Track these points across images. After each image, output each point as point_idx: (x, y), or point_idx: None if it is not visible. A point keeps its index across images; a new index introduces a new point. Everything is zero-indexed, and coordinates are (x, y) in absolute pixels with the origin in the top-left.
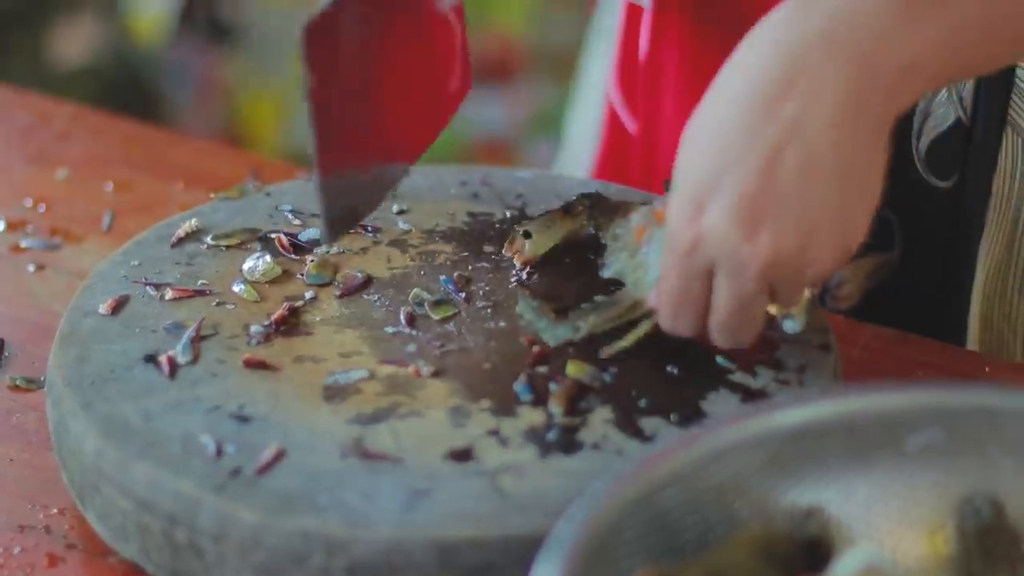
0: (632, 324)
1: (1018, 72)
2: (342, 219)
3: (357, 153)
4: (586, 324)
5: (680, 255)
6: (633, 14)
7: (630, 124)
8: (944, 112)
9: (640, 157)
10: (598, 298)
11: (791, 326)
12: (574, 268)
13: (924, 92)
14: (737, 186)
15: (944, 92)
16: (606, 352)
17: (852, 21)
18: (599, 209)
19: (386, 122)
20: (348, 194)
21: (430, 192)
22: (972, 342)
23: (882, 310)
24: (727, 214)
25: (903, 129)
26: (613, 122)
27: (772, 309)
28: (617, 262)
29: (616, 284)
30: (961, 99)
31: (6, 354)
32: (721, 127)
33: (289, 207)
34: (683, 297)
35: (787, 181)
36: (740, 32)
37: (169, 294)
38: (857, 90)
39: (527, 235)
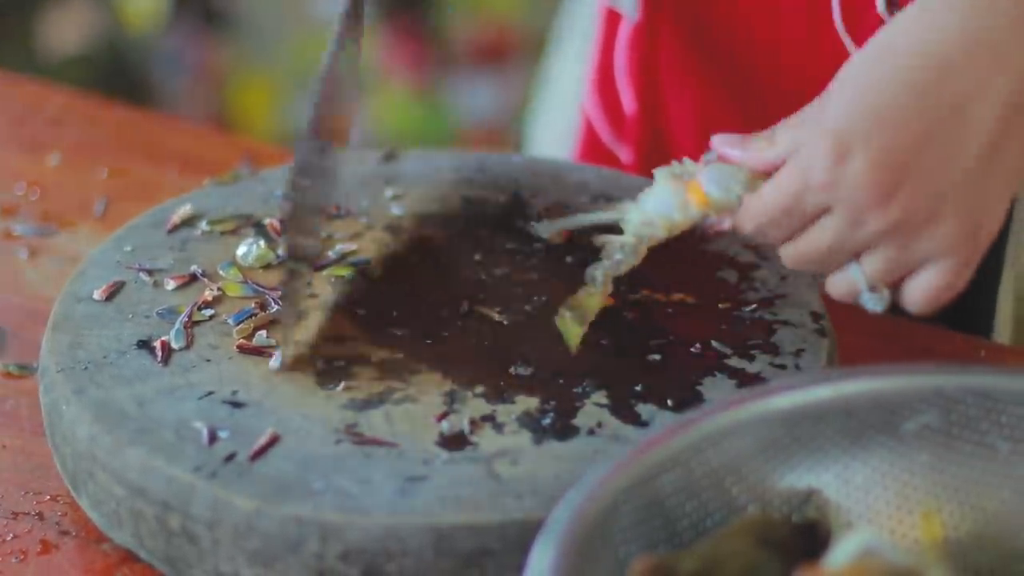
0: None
1: None
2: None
3: None
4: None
5: (808, 187)
6: (611, 24)
7: (607, 135)
8: None
9: (637, 140)
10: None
11: (873, 302)
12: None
13: None
14: (888, 145)
15: None
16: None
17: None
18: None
19: None
20: None
21: (424, 177)
22: (1002, 339)
23: (939, 315)
24: (871, 168)
25: None
26: (588, 131)
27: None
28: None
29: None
30: None
31: None
32: (886, 87)
33: (283, 192)
34: (784, 220)
35: (937, 156)
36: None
37: (171, 284)
38: (1009, 109)
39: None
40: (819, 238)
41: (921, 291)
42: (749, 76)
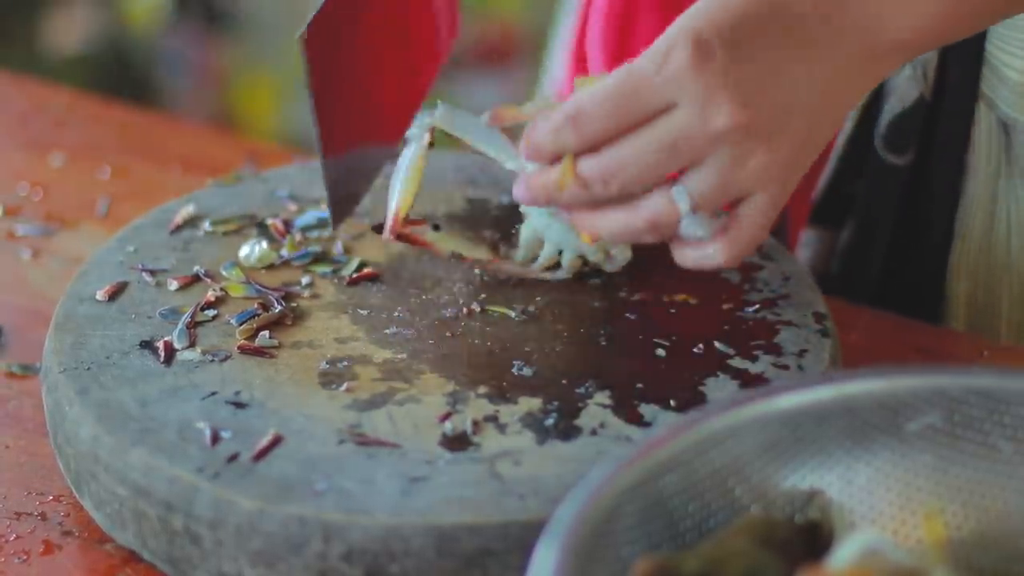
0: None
1: (987, 47)
2: (345, 201)
3: (355, 137)
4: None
5: (661, 74)
6: (589, 3)
7: None
8: (907, 90)
9: None
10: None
11: (695, 226)
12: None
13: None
14: (747, 55)
15: (908, 69)
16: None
17: None
18: None
19: (378, 102)
20: (348, 178)
21: (427, 177)
22: (955, 320)
23: (858, 291)
24: (734, 67)
25: (865, 108)
26: None
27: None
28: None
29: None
30: (925, 75)
31: (1, 341)
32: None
33: (286, 192)
34: (620, 109)
35: (790, 75)
36: None
37: (174, 285)
38: (854, 61)
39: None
40: (661, 134)
41: (741, 226)
42: None
